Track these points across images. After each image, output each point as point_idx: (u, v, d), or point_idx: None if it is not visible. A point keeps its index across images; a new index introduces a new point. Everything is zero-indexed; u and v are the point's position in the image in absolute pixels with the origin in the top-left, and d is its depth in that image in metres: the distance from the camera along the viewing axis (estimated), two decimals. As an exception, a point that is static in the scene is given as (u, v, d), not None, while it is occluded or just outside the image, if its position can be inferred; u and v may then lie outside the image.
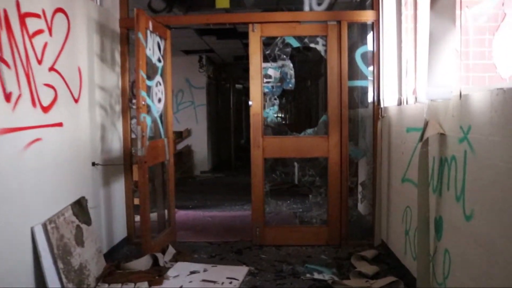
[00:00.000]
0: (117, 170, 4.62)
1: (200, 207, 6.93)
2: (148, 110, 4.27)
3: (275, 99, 4.71)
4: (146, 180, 4.03)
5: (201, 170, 10.64)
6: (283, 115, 16.86)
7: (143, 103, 3.95)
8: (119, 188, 4.71)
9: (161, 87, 4.57)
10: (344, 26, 4.50)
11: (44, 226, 3.15)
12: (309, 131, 4.71)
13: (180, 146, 10.59)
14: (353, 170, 4.78)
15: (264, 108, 4.72)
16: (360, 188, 5.14)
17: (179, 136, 8.34)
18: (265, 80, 4.67)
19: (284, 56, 4.62)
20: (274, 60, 4.64)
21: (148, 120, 4.19)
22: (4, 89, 2.75)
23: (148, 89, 4.29)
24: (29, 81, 3.04)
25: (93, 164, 4.09)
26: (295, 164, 4.75)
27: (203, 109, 10.63)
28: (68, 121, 3.60)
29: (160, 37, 4.54)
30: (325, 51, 4.57)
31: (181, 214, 6.28)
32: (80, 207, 3.74)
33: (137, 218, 4.35)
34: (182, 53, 10.01)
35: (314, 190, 4.82)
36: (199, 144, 10.66)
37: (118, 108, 4.68)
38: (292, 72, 4.64)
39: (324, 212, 4.85)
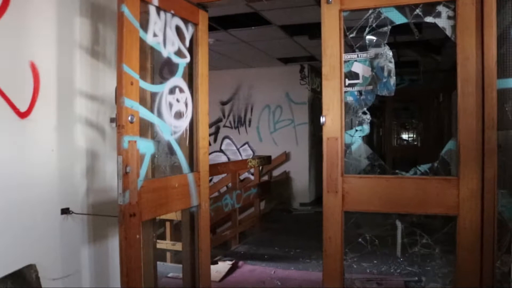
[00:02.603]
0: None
1: (277, 258, 5.19)
2: (154, 132, 2.75)
3: (364, 113, 2.82)
4: (135, 245, 2.47)
5: (301, 202, 8.87)
6: (380, 141, 14.02)
7: (129, 118, 2.41)
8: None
9: (184, 96, 3.01)
10: (490, -21, 2.47)
11: None
12: (423, 167, 2.71)
13: (276, 172, 9.00)
14: (506, 242, 2.62)
15: (347, 128, 2.86)
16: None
17: (265, 162, 6.74)
18: (347, 81, 2.83)
19: (379, 41, 2.72)
20: (363, 48, 2.77)
21: (148, 146, 2.65)
22: None
23: (154, 96, 2.77)
24: None
25: (65, 211, 2.67)
26: (398, 223, 2.76)
27: (304, 129, 8.91)
28: (-7, 147, 2.21)
29: (184, 20, 3.00)
30: (453, 27, 2.58)
31: (244, 272, 4.61)
32: (18, 281, 2.31)
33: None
34: (279, 62, 8.47)
35: (431, 271, 2.77)
36: (299, 171, 8.93)
37: (130, 127, 3.22)
38: (391, 66, 2.71)
39: (451, 310, 2.78)
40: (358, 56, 2.80)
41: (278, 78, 8.98)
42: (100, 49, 2.95)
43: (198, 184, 3.11)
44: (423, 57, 7.87)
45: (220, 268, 4.61)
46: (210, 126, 9.58)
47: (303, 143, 8.92)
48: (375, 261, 4.70)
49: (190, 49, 3.11)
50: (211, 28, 5.92)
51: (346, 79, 2.83)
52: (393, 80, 2.67)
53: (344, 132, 2.83)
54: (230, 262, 4.79)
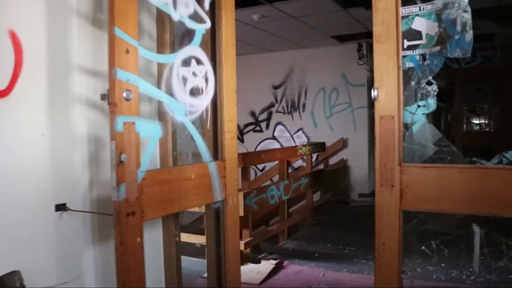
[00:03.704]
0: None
1: (329, 257, 4.61)
2: (162, 112, 2.27)
3: (428, 83, 2.16)
4: (135, 251, 2.00)
5: (360, 192, 8.16)
6: (449, 127, 12.51)
7: (123, 95, 1.93)
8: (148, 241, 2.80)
9: (203, 68, 2.49)
10: None
11: None
12: (510, 154, 2.02)
13: (333, 160, 8.34)
14: None
15: (406, 103, 2.23)
16: None
17: (318, 149, 6.11)
18: (406, 43, 2.18)
19: (450, -14, 2.04)
20: (427, -3, 2.11)
21: (152, 129, 2.17)
22: None
23: (161, 69, 2.28)
24: None
25: (60, 208, 2.26)
26: (475, 228, 2.09)
27: (363, 113, 8.17)
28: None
29: (201, -23, 2.48)
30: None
31: (289, 273, 4.08)
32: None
33: None
34: (334, 40, 7.76)
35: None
36: (358, 159, 8.21)
37: (147, 108, 2.77)
38: (467, 17, 2.02)
39: None
40: (420, 9, 2.14)
41: (334, 59, 8.28)
42: (104, 17, 2.49)
43: (223, 175, 2.60)
44: (501, 28, 6.84)
45: (262, 268, 4.11)
46: (262, 111, 9.11)
47: (362, 129, 8.18)
48: (443, 264, 3.97)
49: (212, 14, 2.59)
50: (254, 3, 5.39)
51: (405, 40, 2.19)
52: (469, 36, 1.98)
53: (402, 108, 2.20)
54: (274, 262, 4.27)
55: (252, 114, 9.23)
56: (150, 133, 2.13)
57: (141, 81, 2.04)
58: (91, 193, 2.42)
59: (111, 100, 1.92)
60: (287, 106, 8.91)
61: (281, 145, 8.93)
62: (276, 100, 9.00)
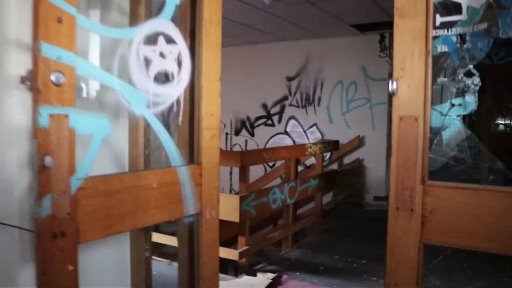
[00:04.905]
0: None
1: (335, 272, 4.09)
2: (113, 102, 1.77)
3: (468, 73, 1.61)
4: (64, 283, 1.52)
5: (375, 195, 7.57)
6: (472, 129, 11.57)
7: (52, 78, 1.44)
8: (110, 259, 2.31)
9: (175, 49, 1.97)
10: None
11: None
12: None
13: (348, 159, 7.77)
14: None
15: (435, 101, 1.68)
16: None
17: (331, 148, 5.54)
18: (439, 19, 1.63)
19: None
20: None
21: (97, 124, 1.67)
22: None
23: (115, 46, 1.78)
24: None
25: (-15, 220, 1.78)
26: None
27: (383, 110, 7.55)
28: None
29: None
30: None
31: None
32: None
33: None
34: (354, 30, 7.14)
35: None
36: (375, 159, 7.61)
37: (113, 97, 2.26)
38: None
39: None
40: (460, -27, 1.58)
41: (353, 50, 7.67)
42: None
43: (199, 183, 2.09)
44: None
45: (257, 283, 3.61)
46: (275, 104, 8.57)
47: (381, 127, 7.56)
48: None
49: (192, -19, 2.07)
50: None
51: (437, 15, 1.63)
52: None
53: (430, 107, 1.65)
54: (272, 275, 3.76)
55: (264, 106, 8.70)
56: (92, 129, 1.63)
57: (79, 60, 1.53)
58: (31, 199, 1.94)
59: (33, 85, 1.43)
60: (301, 100, 8.34)
61: (294, 141, 8.39)
62: (290, 93, 8.44)
